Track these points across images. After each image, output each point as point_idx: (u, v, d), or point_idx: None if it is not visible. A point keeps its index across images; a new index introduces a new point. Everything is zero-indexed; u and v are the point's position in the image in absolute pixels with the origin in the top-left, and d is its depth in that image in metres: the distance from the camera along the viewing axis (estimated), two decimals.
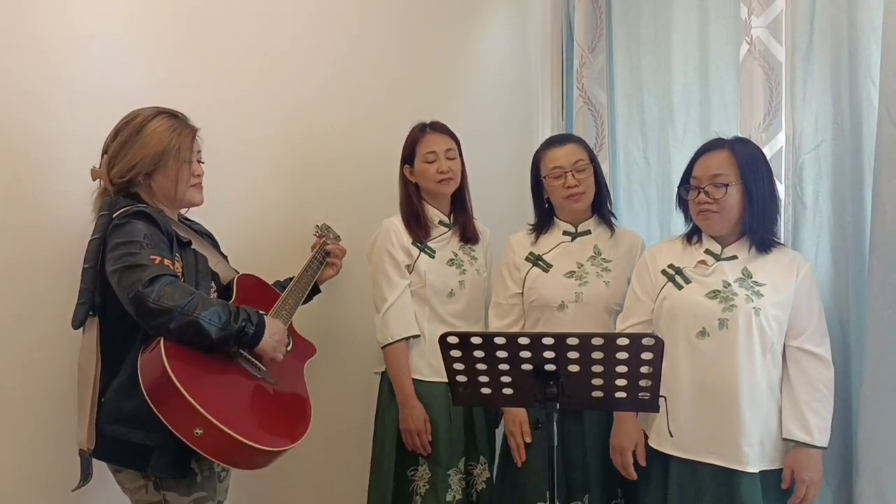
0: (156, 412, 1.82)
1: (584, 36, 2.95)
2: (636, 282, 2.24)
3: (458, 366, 1.78)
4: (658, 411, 1.78)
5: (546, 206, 2.44)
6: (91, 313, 1.96)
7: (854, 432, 2.13)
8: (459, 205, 2.58)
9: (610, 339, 1.67)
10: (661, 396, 1.76)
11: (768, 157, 2.33)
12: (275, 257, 2.55)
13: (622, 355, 1.68)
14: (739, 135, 2.33)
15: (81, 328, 1.98)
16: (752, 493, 2.03)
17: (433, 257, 2.49)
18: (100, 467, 2.01)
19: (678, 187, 2.20)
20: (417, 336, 2.46)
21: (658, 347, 1.66)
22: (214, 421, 1.79)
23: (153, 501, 1.95)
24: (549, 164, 2.37)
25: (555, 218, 2.45)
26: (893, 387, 2.01)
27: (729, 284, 2.07)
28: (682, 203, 2.20)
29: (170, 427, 1.82)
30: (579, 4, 2.96)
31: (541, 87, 3.25)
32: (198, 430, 1.79)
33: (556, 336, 1.68)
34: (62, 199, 2.23)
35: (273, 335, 2.02)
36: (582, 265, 2.38)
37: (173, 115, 2.06)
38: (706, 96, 2.63)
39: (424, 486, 2.42)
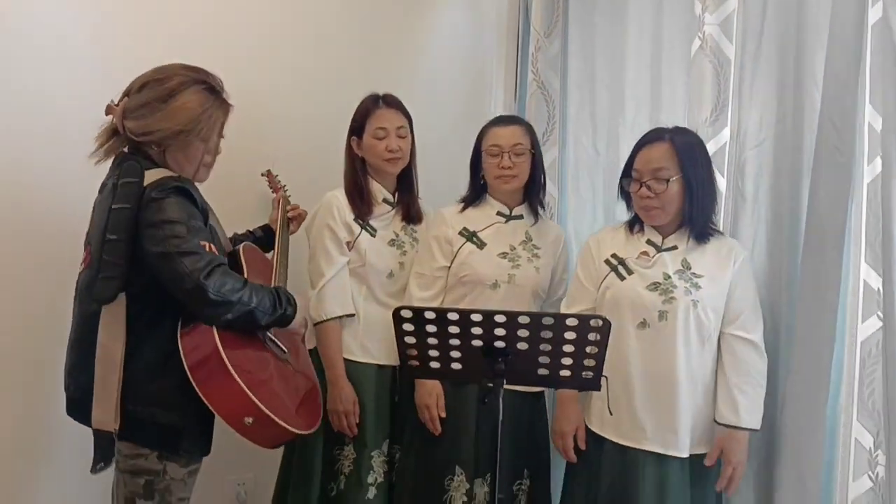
0: (203, 398, 1.77)
1: (540, 21, 2.97)
2: (581, 269, 2.29)
3: (410, 339, 1.80)
4: (599, 389, 1.84)
5: (481, 182, 2.45)
6: (121, 289, 1.82)
7: (779, 417, 2.24)
8: (405, 184, 2.52)
9: (560, 319, 1.72)
10: (604, 376, 1.83)
11: (712, 152, 2.42)
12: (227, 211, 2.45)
13: (570, 335, 1.73)
14: (688, 127, 2.41)
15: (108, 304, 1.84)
16: (682, 477, 2.12)
17: (374, 236, 2.43)
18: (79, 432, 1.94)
19: (620, 179, 2.24)
20: (352, 315, 2.41)
21: (605, 329, 1.72)
22: (266, 411, 1.79)
23: (152, 469, 1.86)
24: (490, 140, 2.39)
25: (488, 196, 2.45)
26: (818, 375, 2.12)
27: (669, 276, 2.14)
28: (624, 194, 2.24)
29: (217, 414, 1.80)
30: None
31: (495, 69, 3.26)
32: (248, 419, 1.78)
33: (509, 314, 1.72)
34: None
35: (300, 314, 2.00)
36: (514, 248, 2.39)
37: (211, 89, 1.89)
38: (657, 88, 2.69)
39: (349, 466, 2.39)
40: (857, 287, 2.12)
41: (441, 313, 1.76)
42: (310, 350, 2.39)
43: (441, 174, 2.75)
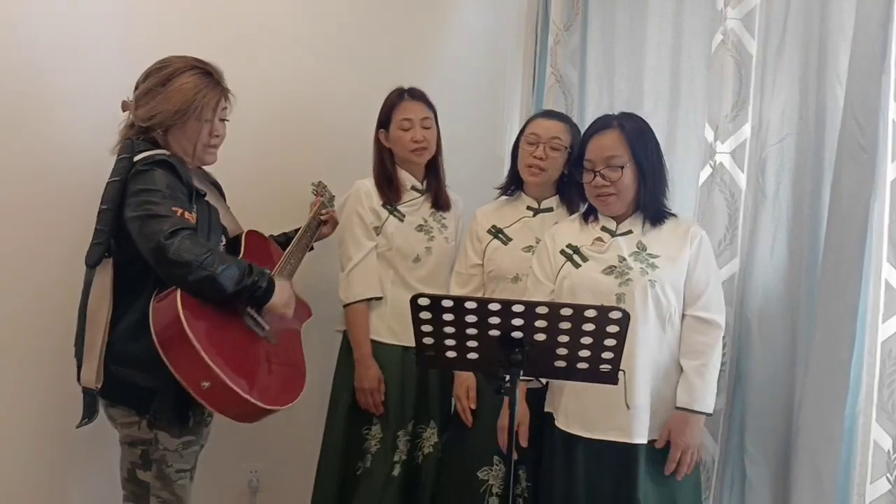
0: (164, 359, 1.86)
1: (560, 14, 2.96)
2: (536, 264, 2.25)
3: (427, 328, 1.78)
4: (616, 384, 1.82)
5: (516, 171, 2.46)
6: (106, 255, 1.96)
7: (795, 416, 2.21)
8: (433, 172, 2.59)
9: (578, 309, 1.70)
10: (621, 370, 1.81)
11: (732, 148, 2.42)
12: (266, 213, 2.55)
13: (588, 327, 1.71)
14: (707, 123, 2.40)
15: (93, 268, 1.98)
16: (647, 465, 2.08)
17: (402, 221, 2.50)
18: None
19: (571, 169, 2.22)
20: (380, 298, 2.47)
21: (624, 321, 1.70)
22: (222, 376, 1.84)
23: (144, 438, 1.99)
24: (531, 129, 2.41)
25: (521, 192, 2.47)
26: (837, 376, 2.09)
27: (624, 259, 2.10)
28: (577, 185, 2.21)
29: (177, 376, 1.86)
30: None
31: (513, 62, 3.25)
32: (205, 384, 1.84)
33: (527, 304, 1.70)
34: (69, 134, 2.28)
35: (282, 294, 2.05)
36: (541, 241, 2.38)
37: (205, 73, 2.05)
38: (676, 84, 2.67)
39: (376, 445, 2.46)
40: (879, 287, 2.07)
41: (459, 301, 1.74)
42: (342, 331, 2.53)
43: (461, 166, 2.75)
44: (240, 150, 2.45)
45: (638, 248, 2.12)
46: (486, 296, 2.42)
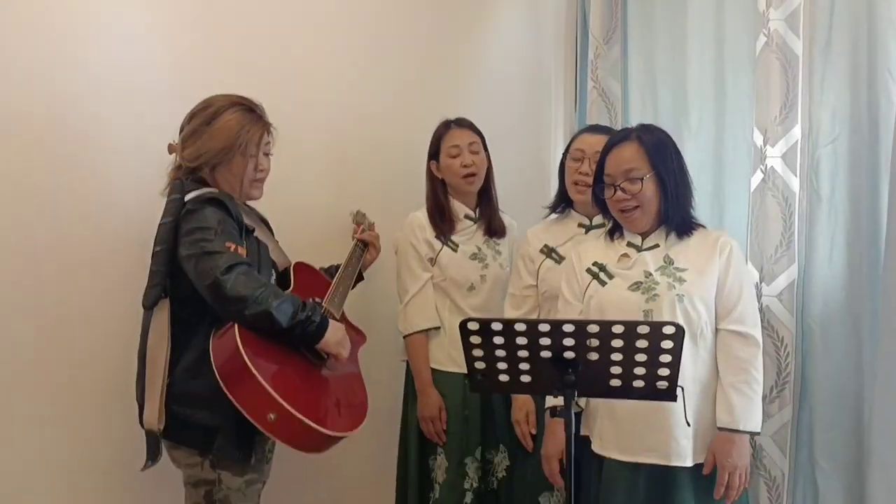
0: (228, 395, 1.86)
1: (599, 27, 2.95)
2: (565, 285, 2.19)
3: (477, 352, 1.77)
4: (675, 400, 1.77)
5: (565, 189, 2.43)
6: (162, 295, 1.98)
7: (867, 426, 2.14)
8: (485, 199, 2.61)
9: (630, 326, 1.66)
10: (679, 386, 1.76)
11: (783, 151, 2.36)
12: (312, 244, 2.58)
13: (641, 343, 1.67)
14: (755, 128, 2.34)
15: (151, 310, 2.00)
16: (685, 487, 1.99)
17: (456, 251, 2.53)
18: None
19: (593, 186, 2.16)
20: (438, 328, 2.51)
21: (679, 335, 1.65)
22: (288, 407, 1.84)
23: (208, 479, 1.99)
24: (576, 144, 2.39)
25: (570, 210, 2.44)
26: None
27: (650, 274, 2.04)
28: (600, 202, 2.15)
29: (243, 411, 1.86)
30: None
31: (554, 78, 3.25)
32: (271, 416, 1.84)
33: (577, 323, 1.67)
34: (120, 178, 2.34)
35: (335, 333, 2.05)
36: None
37: (248, 109, 2.08)
38: (721, 89, 2.63)
39: (443, 474, 2.46)
40: None
41: (508, 325, 1.71)
42: (404, 361, 2.59)
43: (509, 187, 2.75)
44: (290, 185, 2.50)
45: (664, 261, 2.06)
46: (541, 316, 2.38)
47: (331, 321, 2.06)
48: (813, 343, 2.30)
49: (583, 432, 2.16)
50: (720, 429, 1.99)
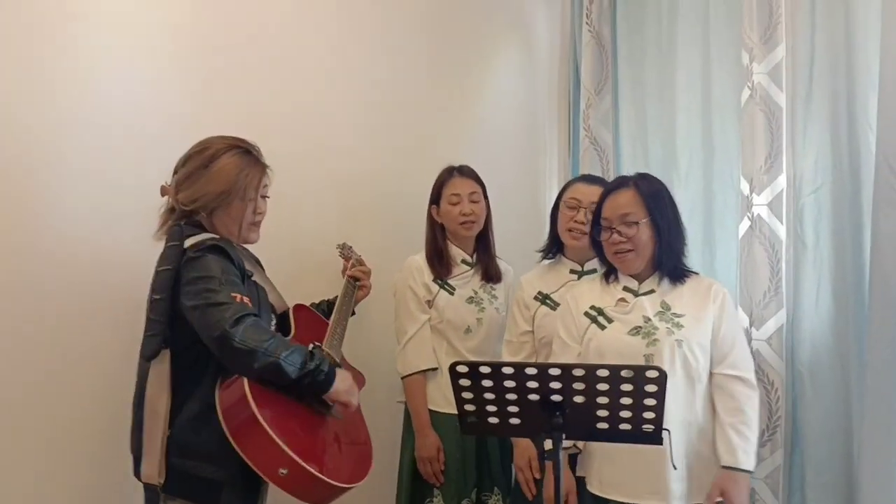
0: (237, 450, 1.81)
1: (590, 78, 3.04)
2: (561, 327, 2.24)
3: (467, 395, 1.81)
4: (661, 444, 1.80)
5: (556, 235, 2.48)
6: (163, 345, 1.92)
7: (856, 467, 2.16)
8: (483, 245, 2.66)
9: (614, 370, 1.71)
10: (665, 429, 1.79)
11: (769, 200, 2.43)
12: (303, 280, 2.59)
13: (626, 387, 1.71)
14: (742, 177, 2.40)
15: (149, 360, 1.93)
16: None
17: (452, 294, 2.57)
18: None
19: (591, 229, 2.22)
20: (435, 369, 2.54)
21: (661, 380, 1.69)
22: (300, 461, 1.80)
23: None
24: (571, 193, 2.44)
25: (562, 256, 2.50)
26: (891, 423, 2.05)
27: (649, 319, 2.09)
28: (596, 245, 2.22)
29: (252, 466, 1.82)
30: (586, 48, 3.06)
31: (549, 127, 3.35)
32: (283, 471, 1.80)
33: (562, 367, 1.71)
34: (106, 219, 2.29)
35: (344, 381, 2.01)
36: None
37: (245, 152, 2.04)
38: (709, 139, 2.71)
39: None
40: None
41: (496, 367, 1.76)
42: (402, 403, 2.60)
43: (500, 229, 2.77)
44: (283, 226, 2.49)
45: (662, 307, 2.11)
46: (539, 361, 2.41)
47: (338, 370, 2.02)
48: (803, 386, 2.34)
49: (578, 473, 2.20)
50: (724, 467, 2.02)
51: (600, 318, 2.15)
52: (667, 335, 2.06)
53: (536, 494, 2.34)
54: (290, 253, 2.61)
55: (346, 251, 2.66)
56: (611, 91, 3.01)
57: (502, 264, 2.69)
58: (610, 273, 2.22)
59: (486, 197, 2.64)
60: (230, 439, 1.82)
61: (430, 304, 2.57)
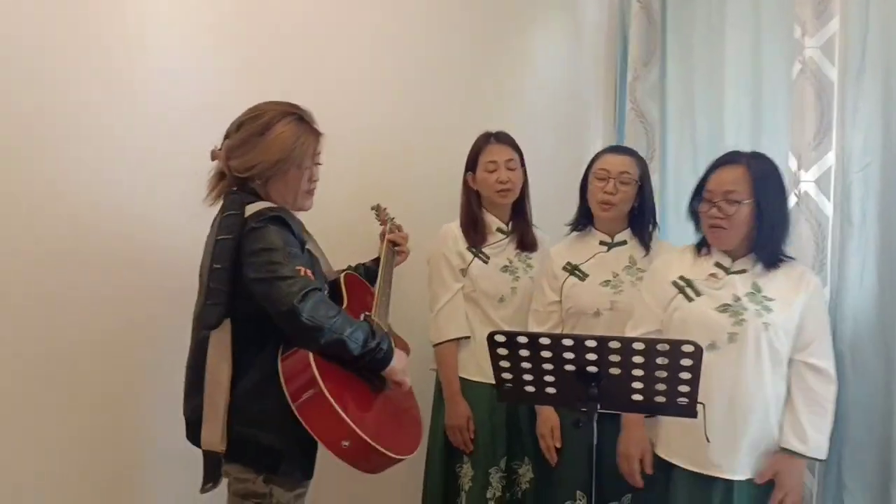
0: (301, 421, 1.85)
1: (638, 50, 3.02)
2: (646, 291, 2.27)
3: (504, 363, 1.86)
4: (696, 417, 1.84)
5: (587, 207, 2.51)
6: (225, 314, 1.93)
7: (893, 444, 2.16)
8: (519, 213, 2.66)
9: (650, 344, 1.74)
10: (700, 403, 1.82)
11: (817, 176, 2.40)
12: (340, 245, 2.56)
13: (662, 360, 1.75)
14: (790, 153, 2.38)
15: (212, 329, 1.94)
16: (737, 500, 2.07)
17: (487, 263, 2.58)
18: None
19: (691, 199, 2.21)
20: (468, 337, 2.57)
21: (697, 354, 1.72)
22: (363, 434, 1.85)
23: (259, 492, 1.95)
24: (599, 164, 2.46)
25: (592, 228, 2.51)
26: None
27: (739, 298, 2.10)
28: (694, 214, 2.21)
29: (315, 437, 1.86)
30: (635, 19, 3.03)
31: (594, 99, 3.34)
32: (345, 443, 1.84)
33: (599, 339, 1.75)
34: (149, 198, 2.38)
35: (401, 359, 2.04)
36: (618, 274, 2.44)
37: (300, 118, 2.01)
38: (757, 114, 2.68)
39: (468, 483, 2.53)
40: None
41: (533, 338, 1.81)
42: (433, 370, 2.63)
43: (540, 199, 2.80)
44: (329, 194, 2.47)
45: (753, 289, 2.11)
46: (567, 331, 2.45)
47: (396, 350, 2.04)
48: (843, 365, 2.31)
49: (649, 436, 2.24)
50: (784, 450, 2.07)
51: (688, 290, 2.17)
52: (755, 317, 2.07)
53: (557, 462, 2.40)
54: (327, 218, 2.52)
55: (381, 213, 2.66)
56: (659, 64, 2.98)
57: (538, 233, 2.69)
58: (702, 245, 2.22)
59: (523, 164, 2.62)
60: (294, 411, 1.85)
61: (463, 272, 2.58)
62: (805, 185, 2.42)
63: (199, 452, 1.96)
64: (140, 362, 2.40)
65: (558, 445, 2.40)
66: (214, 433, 1.91)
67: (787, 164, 2.48)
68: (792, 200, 2.45)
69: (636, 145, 2.96)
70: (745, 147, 2.63)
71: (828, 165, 2.39)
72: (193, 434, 1.98)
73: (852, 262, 2.34)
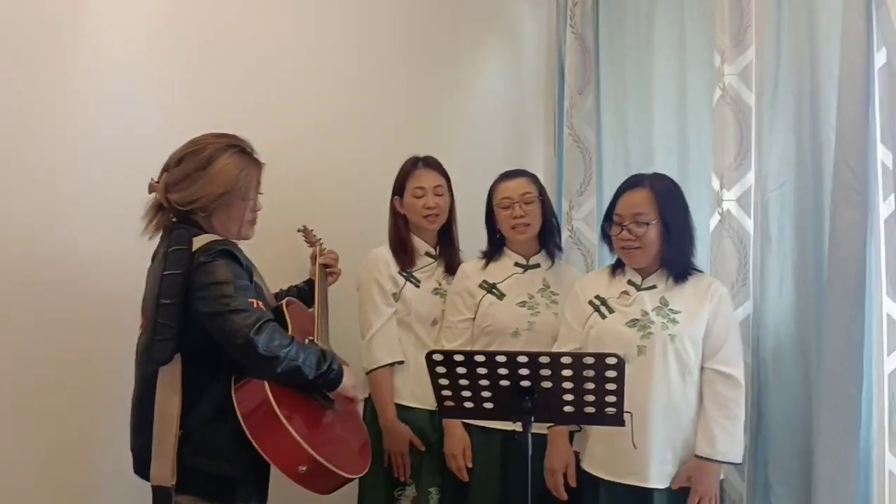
0: (258, 448, 1.86)
1: (574, 79, 3.16)
2: (569, 312, 2.38)
3: (444, 381, 1.94)
4: (623, 425, 1.95)
5: (497, 235, 2.57)
6: (176, 350, 1.92)
7: (814, 449, 2.30)
8: (446, 238, 2.66)
9: (577, 358, 1.84)
10: (627, 412, 1.93)
11: (738, 195, 2.55)
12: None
13: (588, 373, 1.85)
14: (713, 173, 2.53)
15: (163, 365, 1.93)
16: None
17: (418, 286, 2.57)
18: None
19: (602, 223, 2.35)
20: (402, 362, 2.53)
21: (620, 366, 1.83)
22: (320, 459, 1.87)
23: None
24: (500, 194, 2.51)
25: (506, 249, 2.57)
26: (848, 409, 2.19)
27: (647, 313, 2.22)
28: (606, 237, 2.35)
29: (273, 464, 1.88)
30: (570, 49, 3.17)
31: (535, 124, 3.45)
32: (302, 468, 1.86)
33: (530, 355, 1.85)
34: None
35: (349, 377, 2.08)
36: (533, 296, 2.49)
37: (242, 151, 2.04)
38: (683, 137, 2.83)
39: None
40: (881, 321, 2.18)
41: (469, 356, 1.89)
42: (364, 399, 2.54)
43: (480, 225, 2.79)
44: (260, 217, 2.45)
45: (661, 303, 2.24)
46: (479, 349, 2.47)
47: (345, 368, 2.08)
48: (767, 374, 2.47)
49: (574, 447, 2.33)
50: (698, 456, 2.17)
51: (602, 308, 2.30)
52: (661, 330, 2.19)
53: (469, 481, 2.43)
54: (258, 242, 2.47)
55: (308, 235, 2.65)
56: (593, 91, 3.12)
57: (464, 258, 2.68)
58: (617, 266, 2.35)
59: (450, 189, 2.62)
60: (252, 440, 1.87)
61: (395, 297, 2.54)
62: (727, 203, 2.57)
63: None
64: (81, 391, 2.39)
65: (469, 465, 2.43)
66: (164, 467, 1.90)
67: (711, 184, 2.63)
68: (715, 219, 2.60)
69: (574, 169, 3.11)
70: (674, 167, 2.81)
71: (748, 185, 2.55)
72: (141, 469, 1.97)
73: (772, 276, 2.48)
